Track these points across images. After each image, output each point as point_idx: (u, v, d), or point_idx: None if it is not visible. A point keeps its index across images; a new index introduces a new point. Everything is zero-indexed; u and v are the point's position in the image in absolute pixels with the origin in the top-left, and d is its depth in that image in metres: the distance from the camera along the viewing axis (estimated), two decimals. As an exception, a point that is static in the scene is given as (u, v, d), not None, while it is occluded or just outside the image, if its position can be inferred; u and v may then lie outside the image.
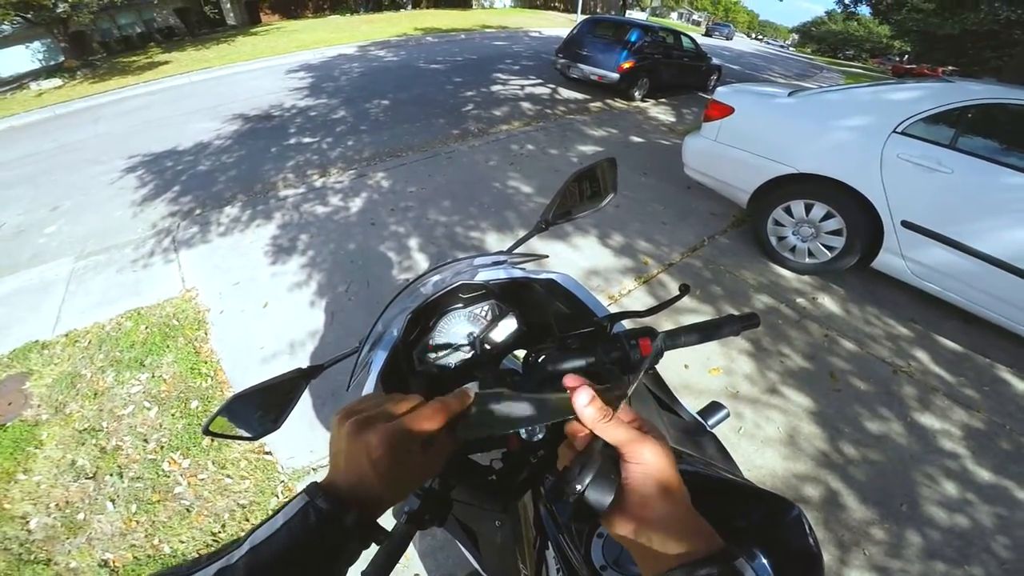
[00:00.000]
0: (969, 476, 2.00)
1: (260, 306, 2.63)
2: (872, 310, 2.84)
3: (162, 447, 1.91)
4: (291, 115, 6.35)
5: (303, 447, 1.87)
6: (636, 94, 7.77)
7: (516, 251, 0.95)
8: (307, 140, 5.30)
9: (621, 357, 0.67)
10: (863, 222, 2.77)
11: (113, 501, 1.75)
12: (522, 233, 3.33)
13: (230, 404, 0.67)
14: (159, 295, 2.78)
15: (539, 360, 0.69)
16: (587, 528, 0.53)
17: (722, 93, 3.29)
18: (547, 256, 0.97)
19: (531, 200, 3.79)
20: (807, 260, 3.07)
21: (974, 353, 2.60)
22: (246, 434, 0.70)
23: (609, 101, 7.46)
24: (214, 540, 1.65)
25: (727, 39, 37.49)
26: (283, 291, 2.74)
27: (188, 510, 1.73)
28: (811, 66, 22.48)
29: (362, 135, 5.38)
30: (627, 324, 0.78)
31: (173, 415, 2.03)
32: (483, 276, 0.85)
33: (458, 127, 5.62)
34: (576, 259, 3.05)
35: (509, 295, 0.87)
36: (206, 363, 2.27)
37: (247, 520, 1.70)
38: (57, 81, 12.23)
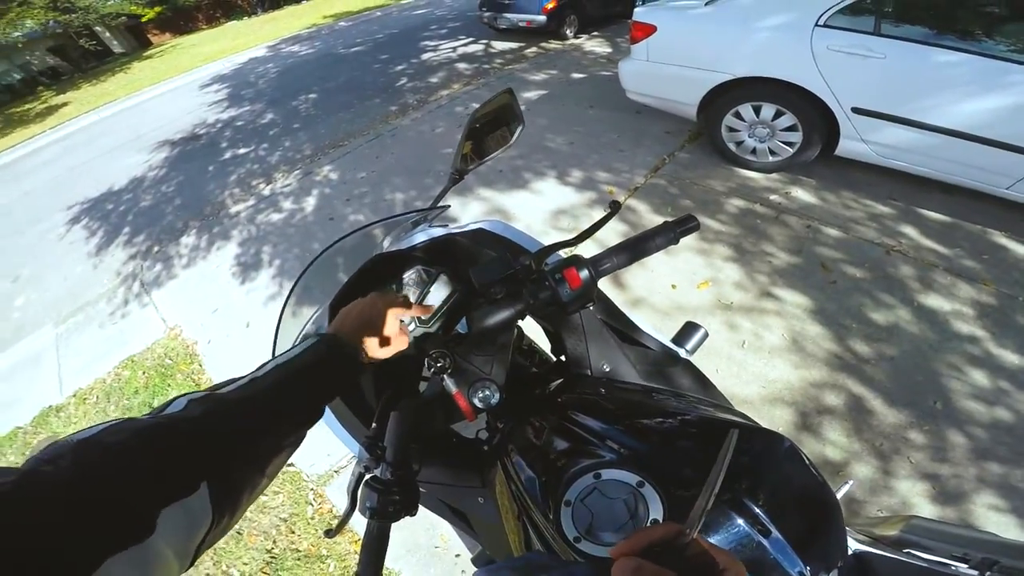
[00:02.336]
0: (996, 361, 1.85)
1: (243, 326, 2.61)
2: (848, 194, 2.80)
3: None
4: (218, 130, 6.06)
5: (320, 453, 1.90)
6: (568, 32, 7.59)
7: (426, 209, 0.89)
8: (242, 151, 5.09)
9: (553, 296, 0.62)
10: (815, 114, 2.79)
11: None
12: (487, 190, 3.30)
13: None
14: (146, 340, 2.76)
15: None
16: (552, 499, 0.49)
17: (640, 13, 3.24)
18: (448, 207, 0.93)
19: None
20: (771, 159, 3.09)
21: (963, 221, 2.51)
22: None
23: (543, 44, 7.31)
24: (271, 557, 1.71)
25: None
26: (261, 306, 2.71)
27: (239, 533, 1.79)
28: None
29: (297, 133, 5.19)
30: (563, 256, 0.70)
31: None
32: (403, 244, 0.79)
33: (395, 103, 5.45)
34: (540, 203, 3.06)
35: (437, 256, 0.79)
36: None
37: (292, 532, 1.75)
38: None
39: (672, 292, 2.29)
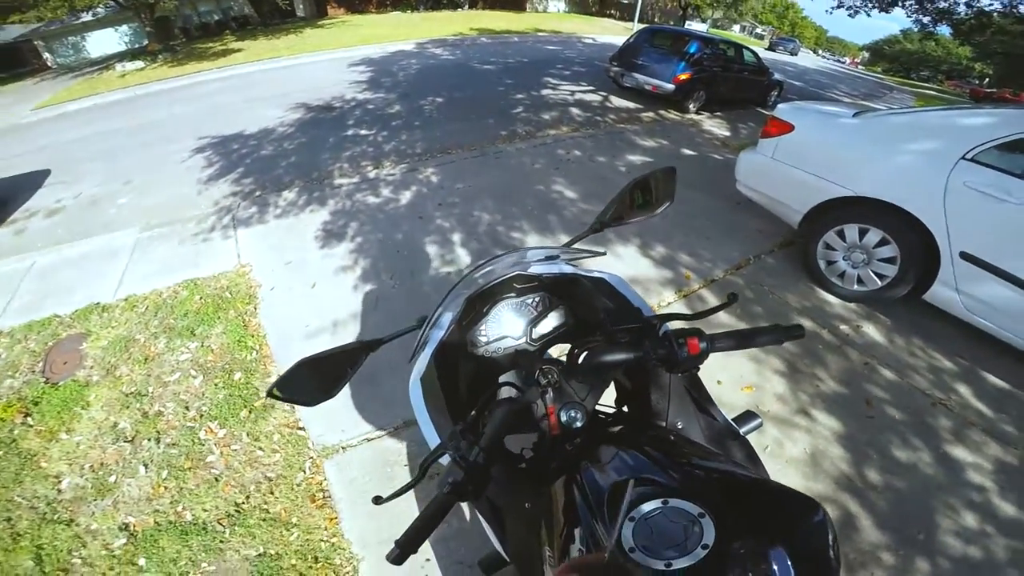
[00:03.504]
0: (991, 509, 1.94)
1: (309, 286, 2.76)
2: (918, 342, 2.71)
3: (201, 415, 2.03)
4: (351, 107, 6.62)
5: (335, 426, 1.95)
6: (691, 106, 7.57)
7: (571, 247, 1.00)
8: (364, 132, 5.51)
9: (668, 355, 0.73)
10: (919, 251, 2.66)
11: (146, 466, 1.87)
12: (565, 237, 3.35)
13: (295, 369, 0.73)
14: (215, 268, 2.96)
15: (584, 351, 0.73)
16: (619, 512, 0.55)
17: (783, 110, 3.21)
18: (604, 253, 1.02)
19: (574, 205, 3.79)
20: (855, 287, 2.94)
21: (1020, 391, 2.48)
22: (305, 400, 0.77)
23: (662, 112, 7.35)
24: (236, 510, 1.71)
25: (791, 54, 36.07)
26: (331, 274, 2.87)
27: (216, 479, 1.80)
28: (880, 86, 21.35)
29: (415, 131, 5.54)
30: (671, 327, 0.81)
31: (216, 385, 2.16)
32: (536, 269, 0.89)
33: (507, 128, 5.69)
34: (617, 267, 3.02)
35: (560, 289, 0.92)
36: (253, 336, 2.40)
37: (271, 493, 1.75)
38: (140, 64, 13.14)
39: (715, 387, 2.27)
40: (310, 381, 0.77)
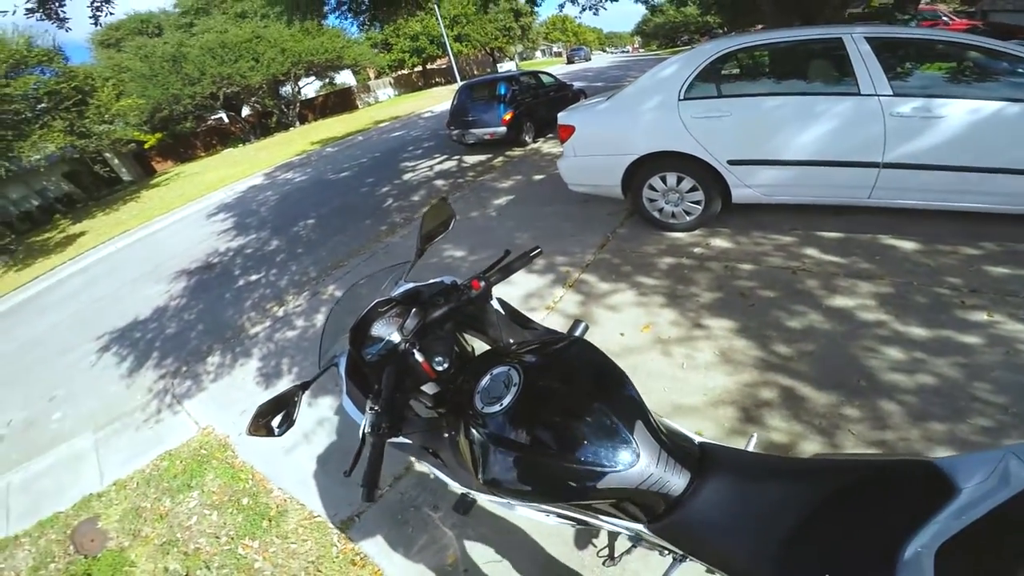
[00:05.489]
0: (906, 337, 2.15)
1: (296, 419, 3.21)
2: (757, 233, 3.37)
3: (232, 538, 2.42)
4: (230, 258, 6.93)
5: (342, 501, 2.43)
6: (527, 138, 8.73)
7: (410, 273, 1.44)
8: (254, 277, 5.90)
9: (466, 297, 1.13)
10: (705, 174, 3.31)
11: None
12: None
13: (256, 414, 1.07)
14: (181, 438, 3.27)
15: (420, 319, 1.12)
16: (474, 391, 0.95)
17: (562, 117, 3.96)
18: (403, 263, 1.53)
19: (465, 260, 4.51)
20: (687, 219, 3.65)
21: (855, 234, 2.99)
22: (271, 432, 1.04)
23: (508, 153, 8.40)
24: None
25: (586, 60, 41.44)
26: (296, 415, 3.33)
27: None
28: (657, 60, 25.42)
29: (301, 257, 6.04)
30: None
31: (231, 513, 2.56)
32: (392, 294, 1.29)
33: (384, 223, 6.37)
34: (512, 291, 3.65)
35: (411, 301, 1.24)
36: (242, 471, 2.82)
37: (319, 571, 2.15)
38: None
39: (621, 338, 2.81)
40: (270, 419, 1.05)
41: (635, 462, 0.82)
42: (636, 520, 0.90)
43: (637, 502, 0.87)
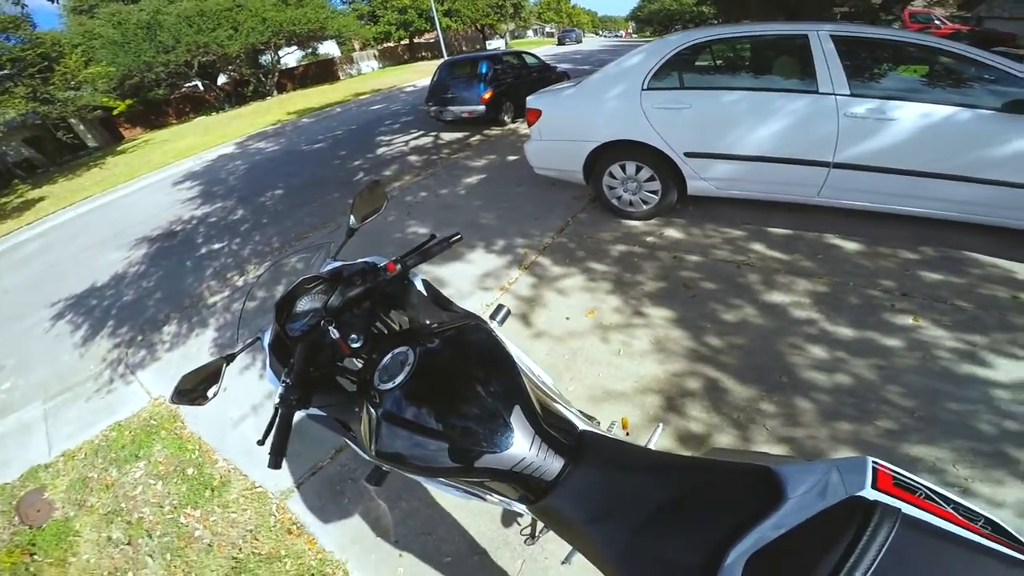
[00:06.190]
0: (832, 336, 2.19)
1: (221, 391, 3.22)
2: (710, 226, 3.40)
3: (175, 507, 2.45)
4: (193, 226, 6.77)
5: (282, 475, 2.45)
6: (506, 118, 8.64)
7: (339, 253, 1.48)
8: (217, 246, 5.79)
9: (382, 280, 1.14)
10: (663, 164, 3.33)
11: (151, 556, 2.27)
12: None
13: (181, 382, 1.10)
14: (131, 408, 3.25)
15: (340, 296, 1.13)
16: (375, 371, 1.00)
17: (530, 100, 3.93)
18: (329, 243, 1.60)
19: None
20: (644, 207, 3.68)
21: (803, 232, 3.04)
22: (194, 400, 1.09)
23: (486, 132, 8.32)
24: (235, 562, 2.10)
25: (577, 42, 40.68)
26: (236, 375, 3.31)
27: (210, 546, 2.19)
28: (653, 58, 25.37)
29: (267, 227, 5.95)
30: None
31: (176, 483, 2.58)
32: (321, 270, 1.33)
33: (352, 196, 6.32)
34: (469, 270, 3.72)
35: (337, 279, 1.27)
36: (190, 441, 2.83)
37: (256, 539, 2.20)
38: None
39: (566, 322, 2.86)
40: (195, 389, 1.10)
41: (509, 445, 0.86)
42: (520, 501, 0.95)
43: (516, 483, 0.90)
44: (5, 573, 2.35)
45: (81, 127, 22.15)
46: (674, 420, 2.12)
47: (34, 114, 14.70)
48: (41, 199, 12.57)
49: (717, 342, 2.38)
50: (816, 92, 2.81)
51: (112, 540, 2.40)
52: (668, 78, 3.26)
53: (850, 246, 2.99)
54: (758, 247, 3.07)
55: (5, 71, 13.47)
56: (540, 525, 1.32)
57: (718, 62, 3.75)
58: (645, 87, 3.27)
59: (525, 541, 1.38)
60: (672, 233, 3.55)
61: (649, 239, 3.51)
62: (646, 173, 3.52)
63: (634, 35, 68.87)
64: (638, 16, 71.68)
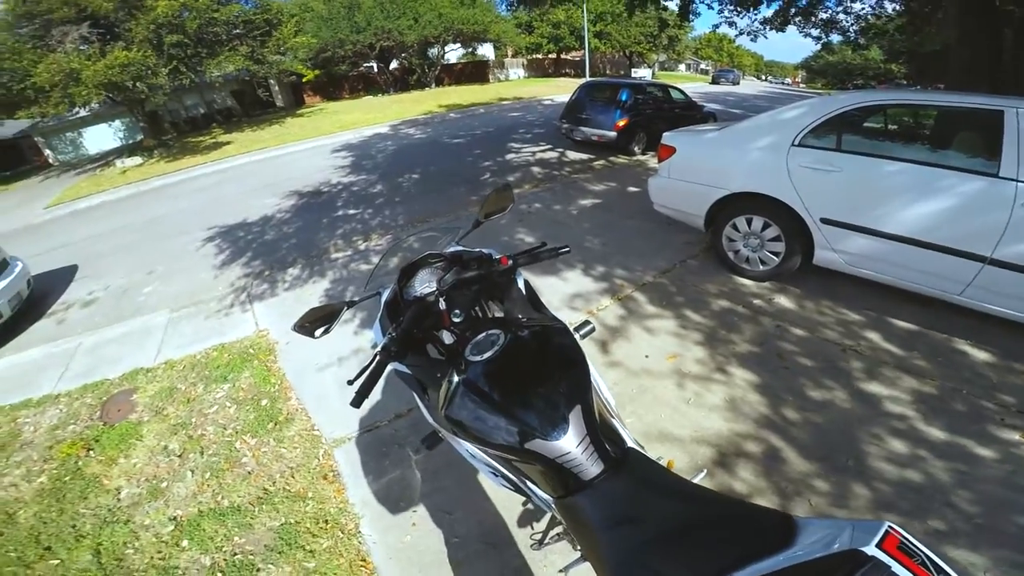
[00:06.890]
0: (919, 435, 2.05)
1: (332, 331, 3.40)
2: (827, 303, 3.11)
3: (236, 432, 2.59)
4: (337, 190, 7.55)
5: (341, 423, 2.53)
6: (636, 148, 8.36)
7: (463, 239, 1.60)
8: (352, 212, 6.38)
9: (494, 270, 1.28)
10: (793, 226, 3.11)
11: (192, 472, 2.35)
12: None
13: (305, 315, 1.26)
14: (238, 335, 3.61)
15: (454, 277, 1.24)
16: (466, 344, 1.10)
17: (666, 136, 3.84)
18: (458, 228, 1.63)
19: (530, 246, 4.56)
20: (761, 268, 3.43)
21: (929, 331, 2.73)
22: (312, 332, 1.26)
23: (612, 158, 8.20)
24: (264, 493, 2.17)
25: (733, 84, 38.65)
26: (335, 326, 3.56)
27: (249, 474, 2.28)
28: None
29: (397, 206, 6.40)
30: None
31: (247, 410, 2.74)
32: (444, 250, 1.49)
33: (476, 194, 6.55)
34: (563, 287, 3.66)
35: (456, 260, 1.44)
36: (274, 376, 3.03)
37: (292, 477, 2.23)
38: (138, 160, 13.93)
39: (644, 359, 2.75)
40: (313, 324, 1.25)
41: (560, 437, 0.92)
42: (550, 492, 0.99)
43: (553, 475, 0.95)
44: (55, 463, 2.54)
45: (276, 88, 25.88)
46: (719, 475, 2.00)
47: (246, 71, 16.97)
48: (228, 143, 14.89)
49: (794, 415, 2.22)
50: (995, 176, 2.38)
51: (167, 450, 2.55)
52: (825, 138, 2.99)
53: (979, 355, 2.57)
54: (873, 336, 2.75)
55: (238, 30, 15.81)
56: (551, 533, 1.36)
57: (889, 127, 3.33)
58: (796, 143, 3.05)
59: (532, 545, 1.40)
60: (783, 301, 3.23)
61: (756, 302, 3.24)
62: (772, 232, 3.28)
63: (802, 84, 63.59)
64: (811, 66, 65.55)
